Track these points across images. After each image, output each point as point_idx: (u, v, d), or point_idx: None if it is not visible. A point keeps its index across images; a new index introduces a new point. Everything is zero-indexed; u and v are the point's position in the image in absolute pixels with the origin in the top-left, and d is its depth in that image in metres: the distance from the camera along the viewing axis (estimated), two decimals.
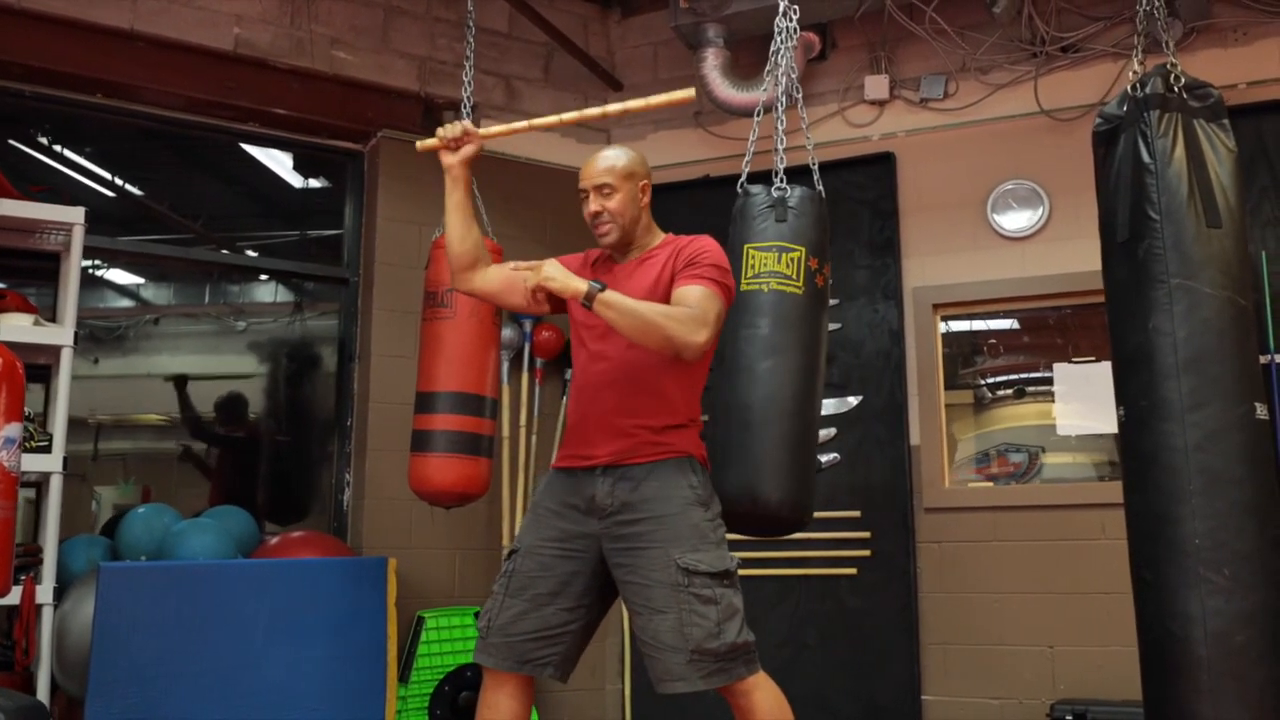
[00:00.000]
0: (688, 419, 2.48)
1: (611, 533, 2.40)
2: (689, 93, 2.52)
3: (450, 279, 2.65)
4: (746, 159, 3.17)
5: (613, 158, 2.57)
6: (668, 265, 2.49)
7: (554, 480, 2.53)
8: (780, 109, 3.11)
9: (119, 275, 4.42)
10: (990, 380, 4.38)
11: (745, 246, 2.98)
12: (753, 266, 2.93)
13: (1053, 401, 4.22)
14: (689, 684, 2.30)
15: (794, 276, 2.91)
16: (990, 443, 4.37)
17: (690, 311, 2.36)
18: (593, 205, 2.54)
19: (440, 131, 2.59)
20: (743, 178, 3.11)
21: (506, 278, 2.57)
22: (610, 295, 2.35)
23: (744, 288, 2.88)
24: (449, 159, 2.59)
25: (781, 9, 3.12)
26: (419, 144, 2.69)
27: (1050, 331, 4.32)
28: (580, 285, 2.34)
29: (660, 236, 2.60)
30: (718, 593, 2.33)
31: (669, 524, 2.35)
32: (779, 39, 3.15)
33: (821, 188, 3.11)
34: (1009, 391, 4.38)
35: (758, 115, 3.18)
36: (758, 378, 2.89)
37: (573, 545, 2.43)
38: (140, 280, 4.52)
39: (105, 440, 4.29)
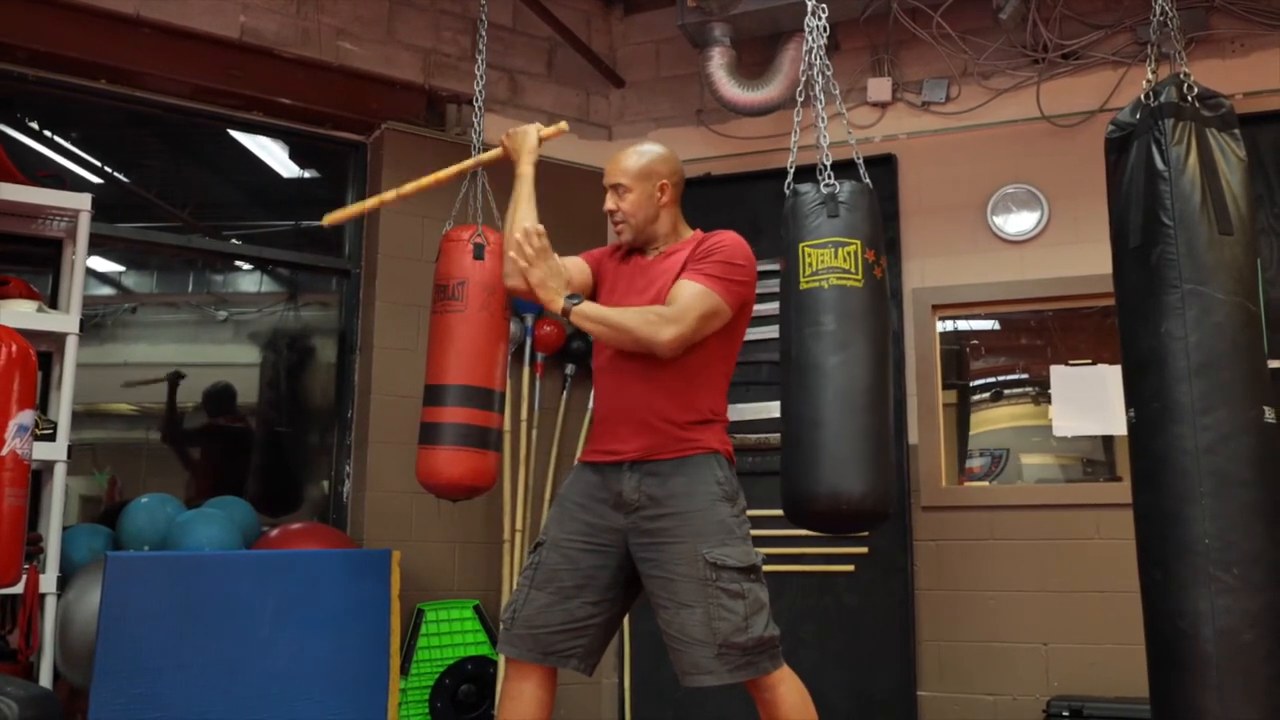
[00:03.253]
0: (712, 414, 2.50)
1: (638, 527, 2.42)
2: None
3: (506, 275, 2.63)
4: (791, 158, 3.06)
5: (632, 157, 2.61)
6: (685, 259, 2.52)
7: (580, 474, 2.54)
8: (819, 106, 3.10)
9: (102, 264, 4.36)
10: (990, 380, 4.45)
11: (800, 246, 2.93)
12: (810, 265, 2.89)
13: (1035, 403, 4.30)
14: (716, 677, 2.32)
15: (852, 270, 2.86)
16: (983, 444, 4.44)
17: (663, 311, 2.42)
18: (609, 203, 2.61)
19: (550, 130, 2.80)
20: (789, 178, 3.05)
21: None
22: (585, 307, 2.44)
23: (803, 286, 2.86)
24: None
25: (810, 8, 3.11)
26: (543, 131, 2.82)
27: (1046, 334, 4.39)
28: (558, 301, 2.43)
29: (688, 234, 2.62)
30: (745, 587, 2.35)
31: (696, 519, 2.38)
32: (810, 37, 3.14)
33: (869, 181, 3.05)
34: (989, 394, 4.46)
35: (798, 112, 3.17)
36: (827, 374, 2.83)
37: (599, 539, 2.45)
38: (121, 268, 4.47)
39: (75, 430, 4.24)
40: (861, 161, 3.08)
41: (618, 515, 2.44)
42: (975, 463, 4.36)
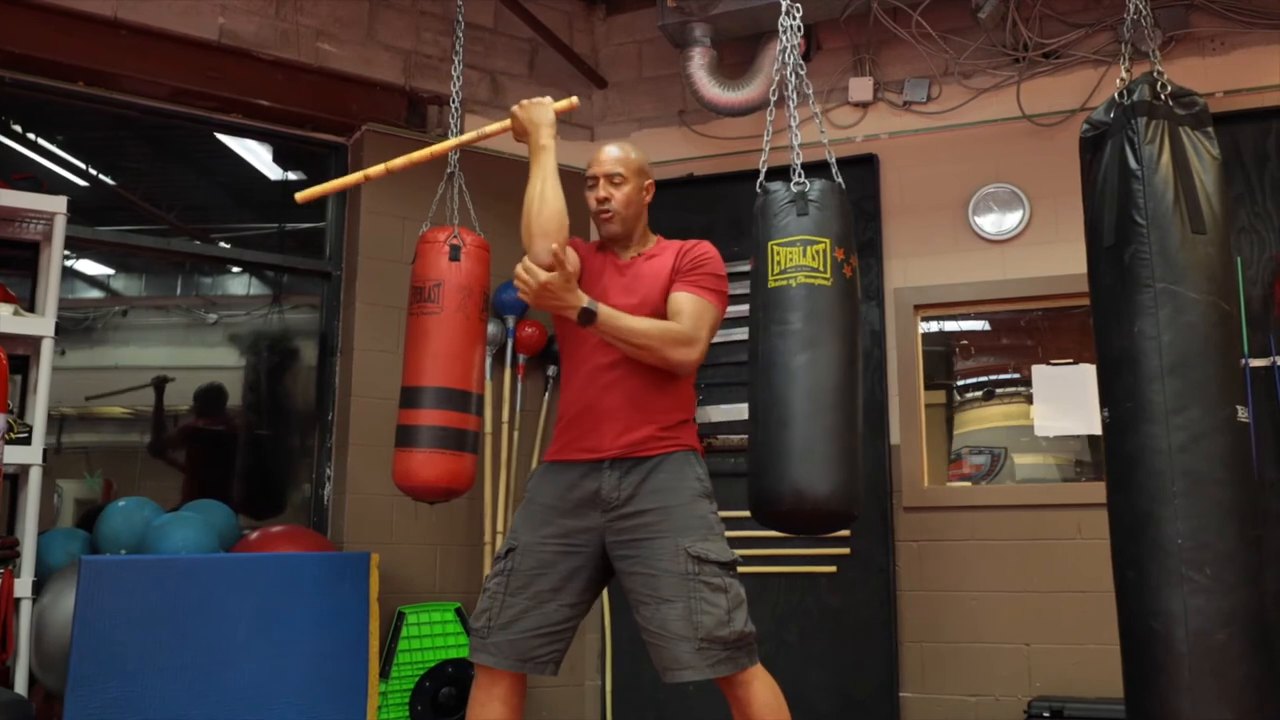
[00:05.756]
0: (689, 414, 2.55)
1: (616, 525, 2.42)
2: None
3: (534, 243, 2.49)
4: (763, 158, 3.05)
5: (627, 149, 2.64)
6: (672, 266, 2.55)
7: (549, 473, 2.53)
8: (792, 106, 3.09)
9: (89, 266, 4.35)
10: (970, 381, 4.44)
11: (770, 244, 2.90)
12: (779, 263, 2.86)
13: (1024, 403, 4.29)
14: (697, 672, 2.32)
15: (821, 269, 2.84)
16: (963, 443, 4.43)
17: (683, 329, 2.45)
18: (601, 192, 2.59)
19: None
20: (761, 176, 3.03)
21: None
22: (607, 314, 2.40)
23: (771, 284, 2.83)
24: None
25: (784, 7, 3.10)
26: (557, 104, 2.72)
27: (1028, 334, 4.38)
28: (578, 303, 2.38)
29: (655, 239, 2.64)
30: (726, 581, 2.37)
31: (678, 515, 2.40)
32: (784, 37, 3.13)
33: (841, 180, 3.02)
34: (981, 393, 4.45)
35: (770, 112, 3.15)
36: (794, 374, 2.79)
37: (574, 540, 2.45)
38: (110, 271, 4.46)
39: (68, 433, 4.24)
40: (834, 161, 3.06)
41: (594, 514, 2.43)
42: (977, 460, 4.34)
